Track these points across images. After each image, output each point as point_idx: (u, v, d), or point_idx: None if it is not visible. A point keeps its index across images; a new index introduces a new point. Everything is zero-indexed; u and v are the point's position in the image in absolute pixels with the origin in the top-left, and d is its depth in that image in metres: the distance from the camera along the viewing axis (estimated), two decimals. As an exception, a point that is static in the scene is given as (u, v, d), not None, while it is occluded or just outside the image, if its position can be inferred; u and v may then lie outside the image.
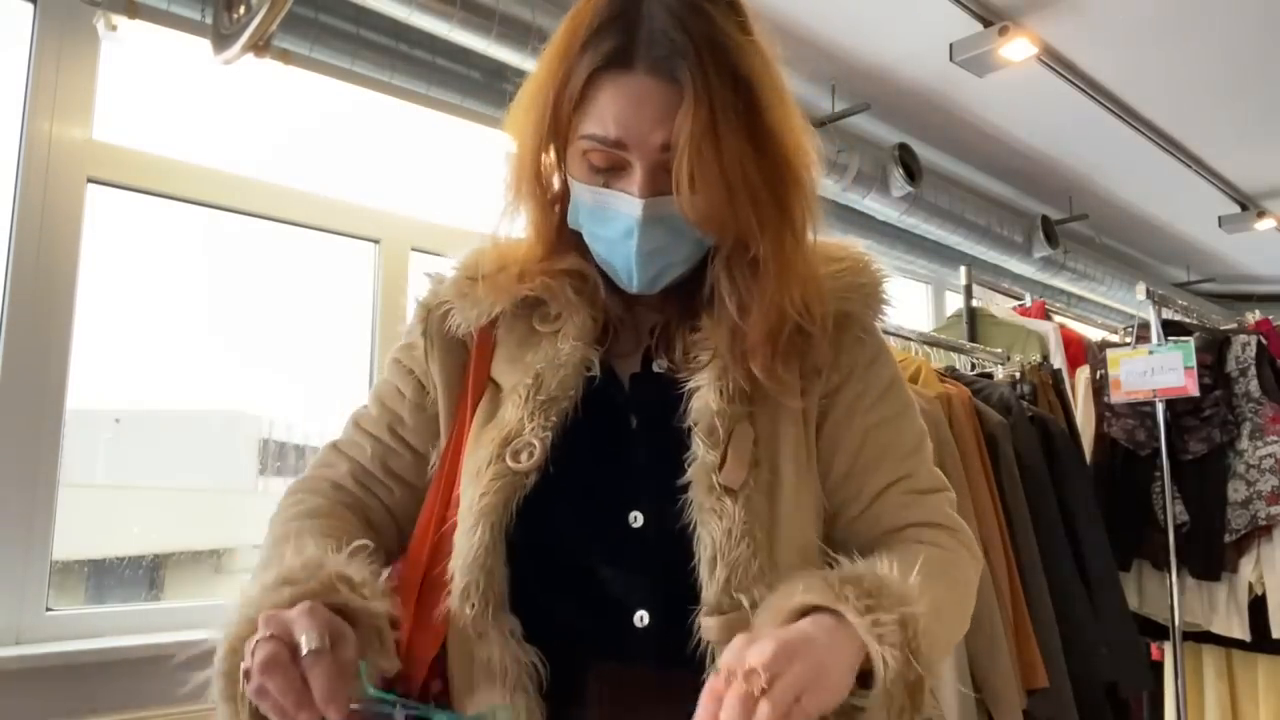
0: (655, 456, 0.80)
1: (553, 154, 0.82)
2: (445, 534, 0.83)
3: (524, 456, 0.79)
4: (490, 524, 0.77)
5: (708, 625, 0.74)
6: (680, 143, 0.74)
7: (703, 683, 0.65)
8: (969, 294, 3.05)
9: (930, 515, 0.85)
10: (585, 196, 0.81)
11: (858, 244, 0.90)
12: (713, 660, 0.74)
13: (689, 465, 0.78)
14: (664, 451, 0.80)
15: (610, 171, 0.79)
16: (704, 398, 0.80)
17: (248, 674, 0.65)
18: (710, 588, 0.75)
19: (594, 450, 0.83)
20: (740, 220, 0.77)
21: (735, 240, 0.80)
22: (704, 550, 0.76)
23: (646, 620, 0.77)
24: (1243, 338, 2.59)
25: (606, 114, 0.76)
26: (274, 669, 0.64)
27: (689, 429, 0.80)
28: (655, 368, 0.86)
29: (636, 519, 0.79)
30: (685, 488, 0.78)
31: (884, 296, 0.88)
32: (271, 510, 0.89)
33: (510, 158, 0.85)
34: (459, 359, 0.90)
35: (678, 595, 0.76)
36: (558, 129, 0.79)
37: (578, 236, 0.85)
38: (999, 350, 2.63)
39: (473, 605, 0.77)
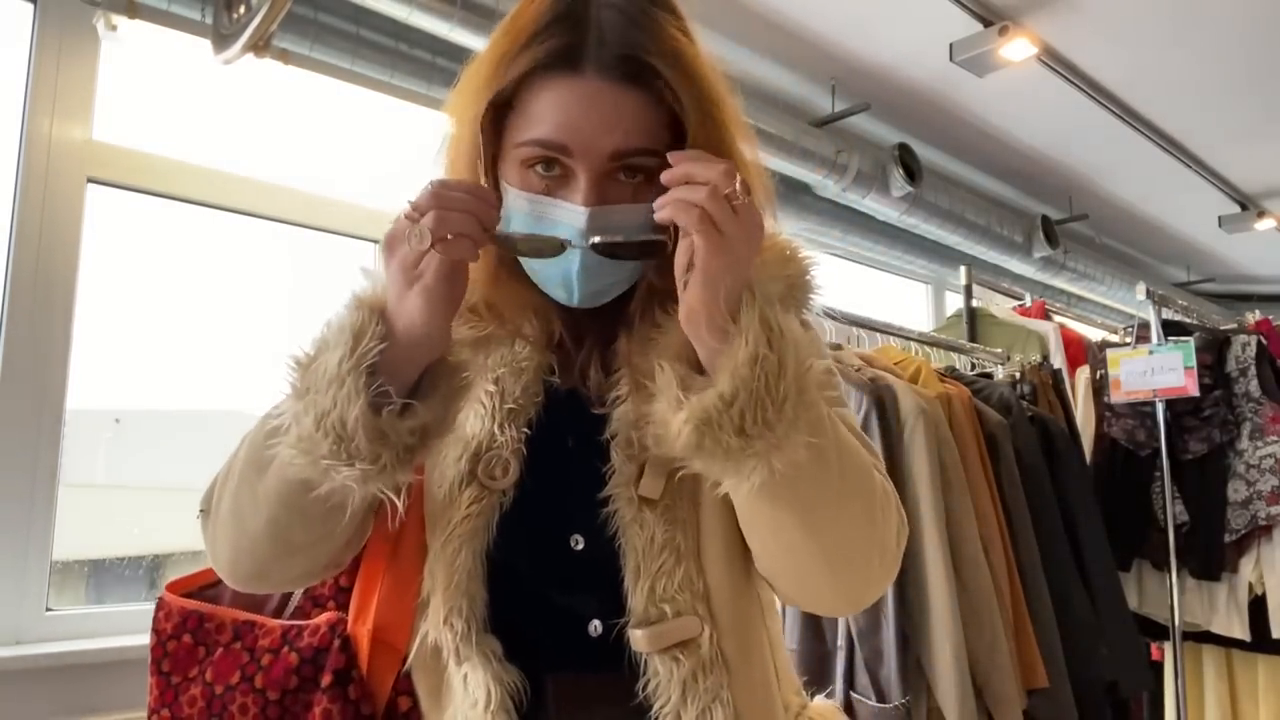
0: (588, 475, 0.78)
1: (484, 161, 0.77)
2: (404, 549, 0.82)
3: (499, 472, 0.77)
4: (473, 550, 0.76)
5: (636, 637, 0.75)
6: (696, 139, 0.71)
7: (645, 686, 0.72)
8: (969, 294, 3.05)
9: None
10: (521, 204, 0.74)
11: (778, 232, 0.84)
12: (649, 668, 0.75)
13: (608, 478, 0.77)
14: (594, 468, 0.78)
15: (551, 180, 0.73)
16: (624, 407, 0.78)
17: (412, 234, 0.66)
18: (635, 598, 0.75)
19: (550, 465, 0.80)
20: None
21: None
22: (628, 561, 0.76)
23: (600, 629, 0.77)
24: (1243, 338, 2.59)
25: (550, 118, 0.72)
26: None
27: (607, 441, 0.78)
28: (580, 386, 0.82)
29: (577, 542, 0.78)
30: (608, 501, 0.77)
31: (811, 285, 0.82)
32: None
33: (446, 158, 0.81)
34: None
35: (620, 606, 0.76)
36: (496, 134, 0.75)
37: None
38: (999, 350, 2.63)
39: (455, 629, 0.76)
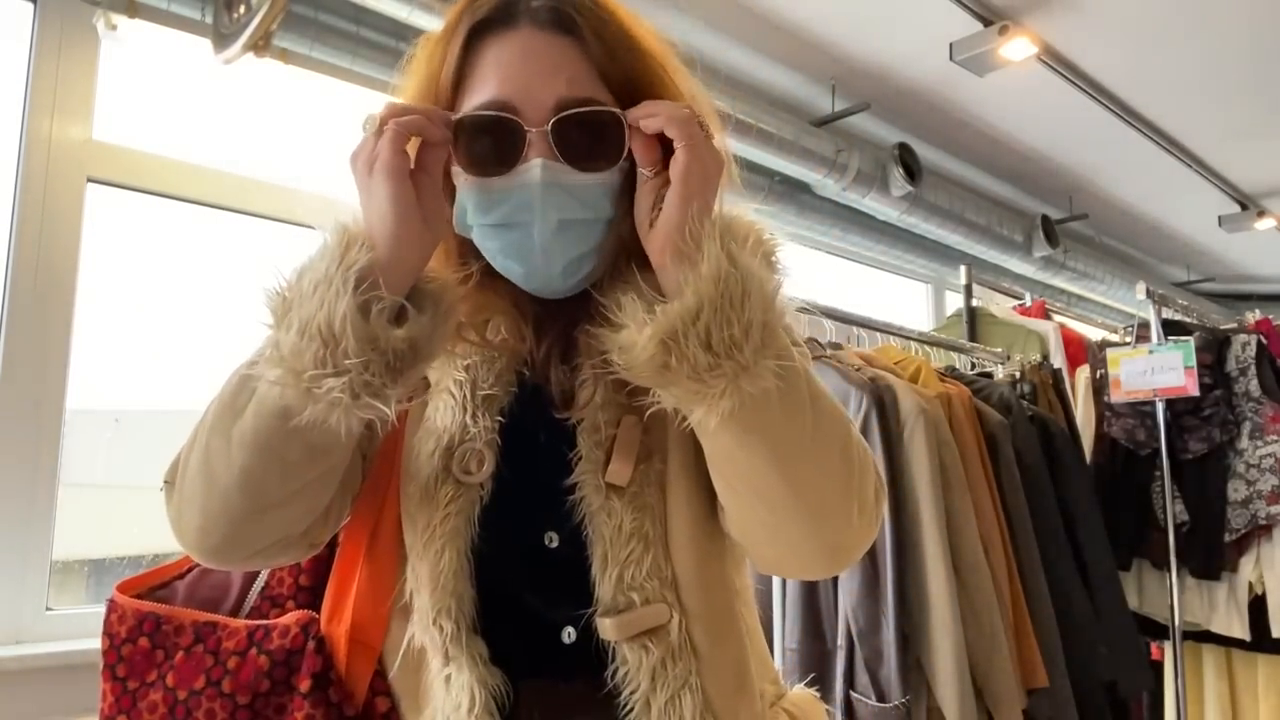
0: (559, 470, 0.77)
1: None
2: (380, 547, 0.81)
3: (474, 466, 0.76)
4: (457, 548, 0.75)
5: (604, 625, 0.74)
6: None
7: (616, 690, 0.72)
8: (969, 294, 3.06)
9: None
10: (472, 188, 0.73)
11: (746, 211, 0.82)
12: (616, 657, 0.74)
13: (575, 464, 0.76)
14: (565, 463, 0.76)
15: (501, 153, 0.71)
16: (588, 392, 0.76)
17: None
18: (603, 586, 0.74)
19: (523, 460, 0.79)
20: None
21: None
22: (595, 549, 0.75)
23: (574, 636, 0.76)
24: (1243, 337, 2.59)
25: (493, 77, 0.71)
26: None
27: (574, 428, 0.76)
28: (553, 380, 0.80)
29: (552, 540, 0.77)
30: (574, 488, 0.75)
31: (775, 265, 0.79)
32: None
33: None
34: None
35: (591, 603, 0.75)
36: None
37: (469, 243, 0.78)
38: (999, 350, 2.63)
39: (444, 630, 0.74)
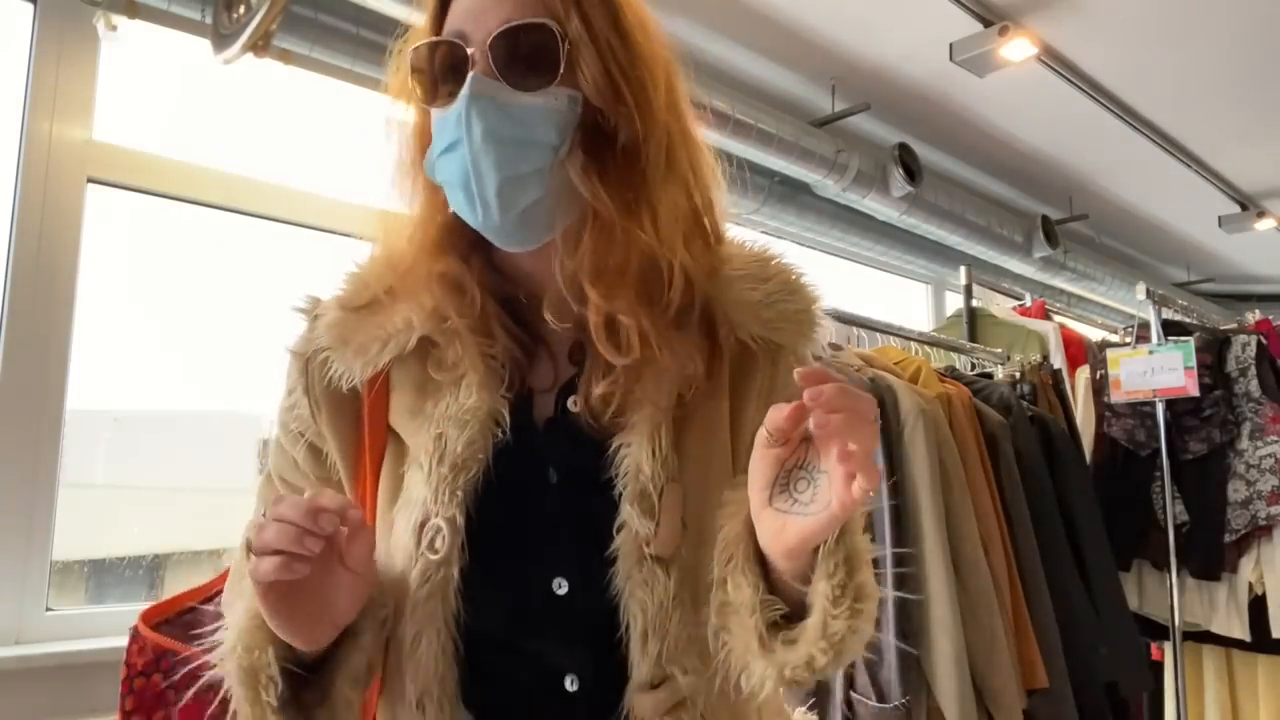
0: (579, 518, 0.74)
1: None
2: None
3: (439, 543, 0.72)
4: (435, 630, 0.72)
5: (641, 701, 0.71)
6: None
7: None
8: (969, 294, 3.05)
9: None
10: (433, 122, 0.75)
11: (780, 254, 0.82)
12: None
13: (618, 532, 0.72)
14: (588, 514, 0.73)
15: (447, 78, 0.73)
16: (634, 459, 0.73)
17: (252, 548, 0.63)
18: (642, 664, 0.71)
19: (511, 515, 0.75)
20: (631, 96, 0.73)
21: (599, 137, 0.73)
22: (635, 624, 0.71)
23: (576, 685, 0.73)
24: (1243, 338, 2.59)
25: (452, 16, 0.74)
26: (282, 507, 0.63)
27: (618, 494, 0.72)
28: (570, 406, 0.76)
29: (561, 585, 0.73)
30: (613, 558, 0.72)
31: (817, 322, 0.81)
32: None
33: (400, 134, 0.80)
34: (351, 410, 0.79)
35: (606, 661, 0.72)
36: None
37: (459, 235, 0.77)
38: (999, 350, 2.63)
39: (425, 711, 0.72)
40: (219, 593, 0.92)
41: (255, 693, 0.68)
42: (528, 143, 0.72)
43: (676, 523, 0.72)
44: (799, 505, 0.63)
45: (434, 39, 0.74)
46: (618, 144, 0.74)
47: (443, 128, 0.73)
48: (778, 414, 0.62)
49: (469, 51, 0.72)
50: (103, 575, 2.07)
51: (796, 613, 0.66)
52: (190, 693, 0.82)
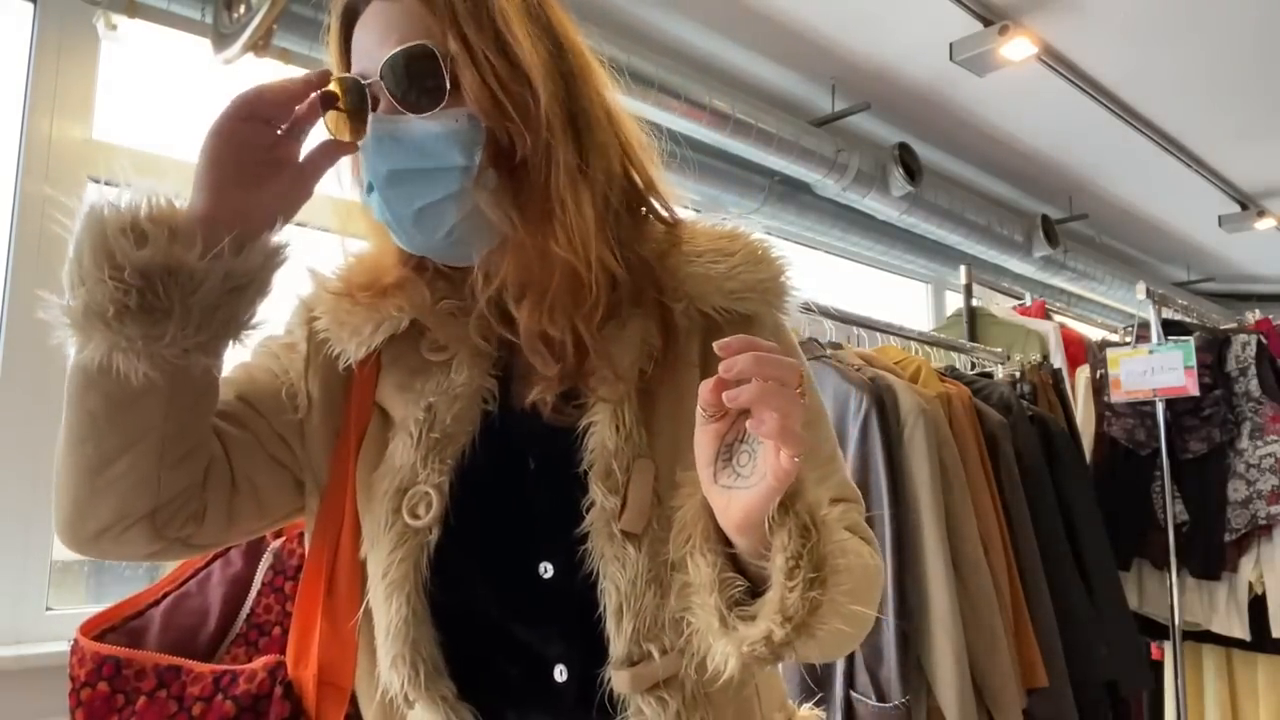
0: (556, 502, 0.74)
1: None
2: (340, 586, 0.79)
3: (421, 509, 0.73)
4: (405, 594, 0.72)
5: (619, 678, 0.71)
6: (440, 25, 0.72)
7: None
8: (969, 293, 3.05)
9: (851, 524, 0.79)
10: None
11: (748, 231, 0.82)
12: (627, 708, 0.72)
13: (588, 511, 0.73)
14: (564, 496, 0.74)
15: (358, 119, 0.76)
16: (599, 436, 0.74)
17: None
18: (618, 641, 0.71)
19: (495, 495, 0.76)
20: (515, 110, 0.73)
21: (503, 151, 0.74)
22: (609, 601, 0.71)
23: (565, 675, 0.74)
24: (1243, 337, 2.59)
25: (354, 56, 0.76)
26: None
27: (584, 472, 0.73)
28: (539, 401, 0.77)
29: (546, 570, 0.74)
30: (585, 537, 0.72)
31: (787, 287, 0.81)
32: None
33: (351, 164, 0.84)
34: (341, 383, 0.82)
35: (592, 645, 0.73)
36: None
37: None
38: (999, 350, 2.63)
39: (400, 674, 0.72)
40: (167, 594, 0.92)
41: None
42: (434, 170, 0.73)
43: (645, 498, 0.72)
44: (740, 479, 0.63)
45: (339, 84, 0.75)
46: (516, 158, 0.75)
47: (363, 166, 0.77)
48: (704, 388, 0.62)
49: (366, 88, 0.74)
50: (103, 575, 2.07)
51: (761, 590, 0.65)
52: (142, 699, 0.82)
